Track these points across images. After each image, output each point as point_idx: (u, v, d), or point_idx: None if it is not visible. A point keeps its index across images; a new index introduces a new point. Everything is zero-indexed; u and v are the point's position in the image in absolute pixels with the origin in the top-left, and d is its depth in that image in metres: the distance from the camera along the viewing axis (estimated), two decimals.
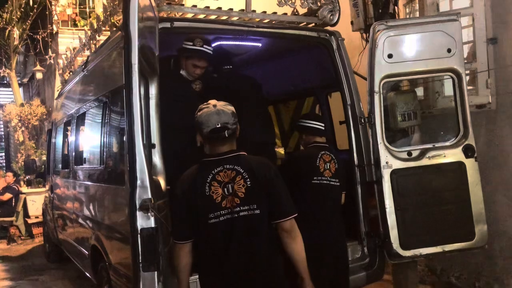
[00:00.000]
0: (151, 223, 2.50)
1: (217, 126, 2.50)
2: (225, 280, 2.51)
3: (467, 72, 4.55)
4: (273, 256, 2.57)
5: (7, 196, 9.74)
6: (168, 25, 3.57)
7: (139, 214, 2.48)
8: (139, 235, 2.46)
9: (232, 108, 2.59)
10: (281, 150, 6.10)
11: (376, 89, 3.98)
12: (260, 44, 4.48)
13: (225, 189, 2.48)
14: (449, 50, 4.02)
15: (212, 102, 2.58)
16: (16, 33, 12.35)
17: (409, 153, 4.04)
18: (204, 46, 3.95)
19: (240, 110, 2.71)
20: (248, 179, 2.48)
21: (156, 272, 2.51)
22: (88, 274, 4.85)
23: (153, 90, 3.13)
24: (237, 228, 2.47)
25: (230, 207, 2.46)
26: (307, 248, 2.65)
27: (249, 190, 2.47)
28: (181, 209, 2.55)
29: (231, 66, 4.51)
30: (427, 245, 3.97)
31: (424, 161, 4.01)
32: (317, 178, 3.73)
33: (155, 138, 3.09)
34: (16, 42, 12.67)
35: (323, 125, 3.93)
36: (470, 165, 4.04)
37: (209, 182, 2.49)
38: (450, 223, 4.01)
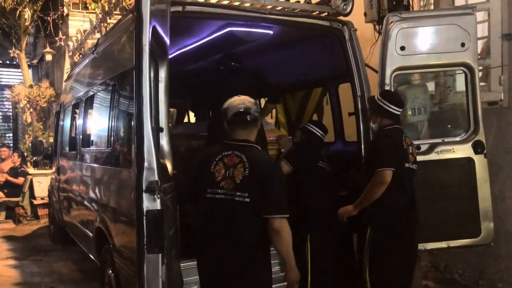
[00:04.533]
0: (157, 205, 2.51)
1: (240, 110, 2.76)
2: (212, 257, 2.74)
3: (480, 68, 4.50)
4: (254, 246, 2.69)
5: (21, 180, 9.78)
6: (180, 8, 3.55)
7: (145, 196, 2.48)
8: (144, 217, 2.47)
9: (254, 101, 2.86)
10: None
11: (387, 81, 3.95)
12: (271, 32, 4.44)
13: (227, 171, 2.69)
14: (463, 44, 3.98)
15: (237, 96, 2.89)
16: (27, 14, 12.30)
17: (418, 147, 4.01)
18: None
19: None
20: (248, 169, 2.66)
21: (160, 254, 2.52)
22: (92, 256, 4.87)
23: (162, 74, 3.11)
24: (227, 209, 2.67)
25: (227, 188, 2.67)
26: None
27: (245, 179, 2.65)
28: (193, 174, 2.85)
29: (238, 64, 4.47)
30: (432, 240, 3.96)
31: (433, 156, 3.99)
32: None
33: (163, 121, 3.07)
34: (26, 23, 12.63)
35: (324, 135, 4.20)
36: (479, 161, 4.01)
37: (217, 161, 2.74)
38: (456, 219, 3.99)
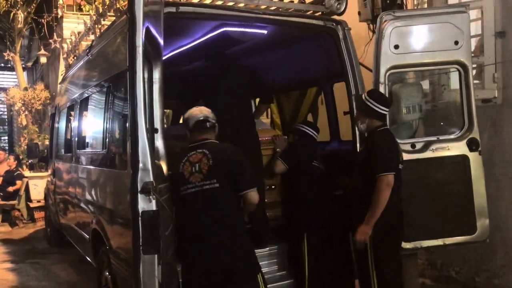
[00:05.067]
0: (152, 206, 2.51)
1: (200, 118, 3.21)
2: (197, 245, 3.03)
3: (474, 65, 4.51)
4: (235, 222, 3.12)
5: (19, 184, 9.75)
6: (173, 9, 3.54)
7: (140, 197, 2.49)
8: (140, 218, 2.47)
9: (211, 110, 3.30)
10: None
11: (382, 80, 3.96)
12: (265, 32, 4.44)
13: (193, 167, 3.07)
14: (456, 43, 3.99)
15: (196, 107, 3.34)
16: (20, 16, 12.29)
17: (413, 145, 4.02)
18: None
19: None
20: (211, 159, 3.06)
21: (156, 255, 2.51)
22: (88, 258, 4.86)
23: (157, 75, 3.11)
24: (200, 198, 3.04)
25: (195, 181, 3.05)
26: None
27: (211, 168, 3.04)
28: (173, 179, 3.14)
29: (225, 58, 4.48)
30: (428, 238, 3.96)
31: (428, 154, 4.00)
32: None
33: (158, 122, 3.07)
34: (20, 26, 12.61)
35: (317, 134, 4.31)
36: (474, 159, 4.02)
37: (184, 162, 3.12)
38: (452, 217, 3.99)
